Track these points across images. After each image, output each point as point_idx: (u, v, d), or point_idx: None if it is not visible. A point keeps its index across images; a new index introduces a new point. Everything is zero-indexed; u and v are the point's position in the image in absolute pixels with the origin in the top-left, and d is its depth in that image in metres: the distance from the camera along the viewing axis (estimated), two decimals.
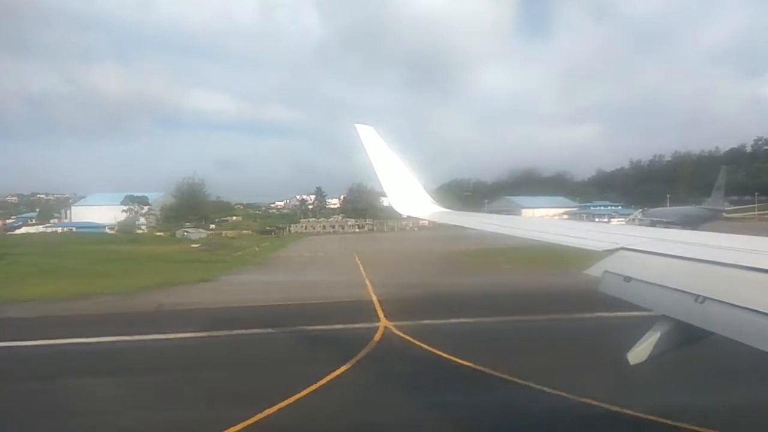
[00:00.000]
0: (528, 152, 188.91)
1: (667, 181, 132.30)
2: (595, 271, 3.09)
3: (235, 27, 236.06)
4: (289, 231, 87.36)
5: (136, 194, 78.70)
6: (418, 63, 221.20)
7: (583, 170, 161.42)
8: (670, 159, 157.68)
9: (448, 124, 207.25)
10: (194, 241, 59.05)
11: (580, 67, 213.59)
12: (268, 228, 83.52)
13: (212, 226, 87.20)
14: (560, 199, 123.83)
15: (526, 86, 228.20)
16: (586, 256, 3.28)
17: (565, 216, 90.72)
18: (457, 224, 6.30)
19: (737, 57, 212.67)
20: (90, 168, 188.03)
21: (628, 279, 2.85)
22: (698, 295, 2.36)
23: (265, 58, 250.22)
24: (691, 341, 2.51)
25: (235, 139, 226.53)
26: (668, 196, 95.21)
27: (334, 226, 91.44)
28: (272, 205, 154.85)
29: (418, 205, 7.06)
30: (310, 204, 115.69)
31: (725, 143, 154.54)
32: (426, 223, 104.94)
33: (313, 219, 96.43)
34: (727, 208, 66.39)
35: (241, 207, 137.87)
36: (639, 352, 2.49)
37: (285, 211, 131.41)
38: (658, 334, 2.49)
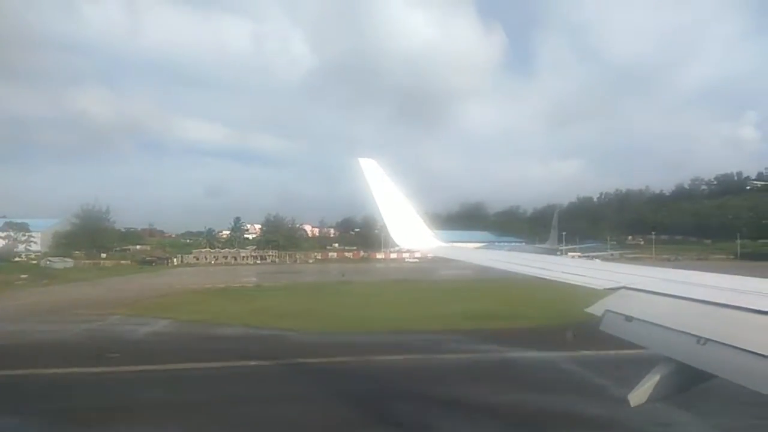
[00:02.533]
0: (507, 186, 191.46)
1: (594, 219, 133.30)
2: (596, 309, 3.04)
3: (223, 55, 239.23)
4: (180, 261, 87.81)
5: (16, 220, 79.93)
6: (406, 97, 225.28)
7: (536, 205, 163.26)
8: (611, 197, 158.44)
9: (434, 157, 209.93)
10: (26, 271, 60.02)
11: (565, 104, 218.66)
12: (148, 258, 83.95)
13: (103, 255, 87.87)
14: (480, 233, 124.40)
15: (511, 122, 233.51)
16: None
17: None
18: (459, 259, 6.35)
19: (714, 100, 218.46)
20: (60, 192, 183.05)
21: (629, 318, 2.79)
22: (700, 337, 2.30)
23: (253, 86, 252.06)
24: (692, 384, 2.46)
25: (221, 166, 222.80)
26: (563, 233, 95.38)
27: (226, 257, 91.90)
28: (220, 233, 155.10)
29: (419, 239, 7.13)
30: (219, 233, 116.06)
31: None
32: (332, 255, 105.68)
33: (206, 249, 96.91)
34: (562, 248, 67.45)
35: (172, 236, 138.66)
36: (640, 394, 2.42)
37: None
38: (659, 376, 2.44)
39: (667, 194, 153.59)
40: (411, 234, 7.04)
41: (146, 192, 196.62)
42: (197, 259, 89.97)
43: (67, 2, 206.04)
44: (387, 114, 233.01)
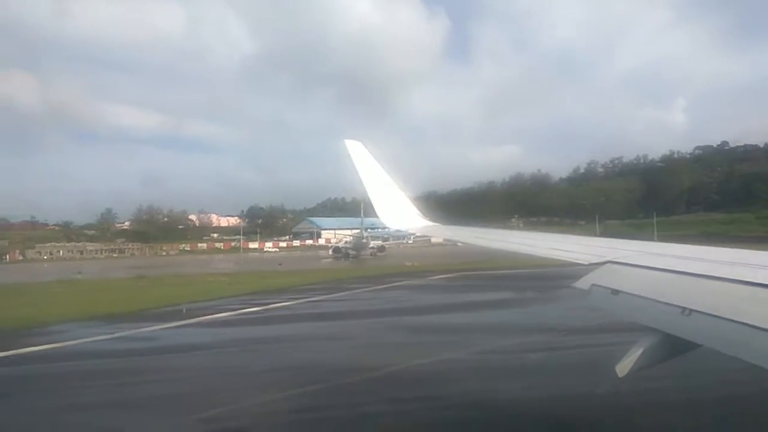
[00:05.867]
0: (451, 170, 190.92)
1: (486, 202, 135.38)
2: (583, 284, 3.01)
3: (156, 39, 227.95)
4: (23, 256, 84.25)
5: None
6: (348, 82, 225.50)
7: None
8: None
9: (375, 142, 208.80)
10: None
11: (503, 91, 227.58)
12: None
13: None
14: (374, 220, 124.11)
15: (453, 107, 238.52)
16: None
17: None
18: (446, 238, 5.97)
19: (644, 86, 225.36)
20: None
21: (615, 292, 2.79)
22: (685, 308, 2.31)
23: (189, 72, 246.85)
24: (678, 353, 2.47)
25: (156, 155, 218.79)
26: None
27: (71, 251, 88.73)
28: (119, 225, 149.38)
29: (406, 219, 7.03)
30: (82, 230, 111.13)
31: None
32: (204, 246, 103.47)
33: (51, 243, 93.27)
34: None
35: (55, 229, 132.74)
36: (626, 364, 2.43)
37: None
38: (645, 347, 2.45)
39: (563, 177, 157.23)
40: (399, 214, 7.01)
41: (72, 183, 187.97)
42: (40, 253, 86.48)
43: None
44: (328, 99, 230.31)
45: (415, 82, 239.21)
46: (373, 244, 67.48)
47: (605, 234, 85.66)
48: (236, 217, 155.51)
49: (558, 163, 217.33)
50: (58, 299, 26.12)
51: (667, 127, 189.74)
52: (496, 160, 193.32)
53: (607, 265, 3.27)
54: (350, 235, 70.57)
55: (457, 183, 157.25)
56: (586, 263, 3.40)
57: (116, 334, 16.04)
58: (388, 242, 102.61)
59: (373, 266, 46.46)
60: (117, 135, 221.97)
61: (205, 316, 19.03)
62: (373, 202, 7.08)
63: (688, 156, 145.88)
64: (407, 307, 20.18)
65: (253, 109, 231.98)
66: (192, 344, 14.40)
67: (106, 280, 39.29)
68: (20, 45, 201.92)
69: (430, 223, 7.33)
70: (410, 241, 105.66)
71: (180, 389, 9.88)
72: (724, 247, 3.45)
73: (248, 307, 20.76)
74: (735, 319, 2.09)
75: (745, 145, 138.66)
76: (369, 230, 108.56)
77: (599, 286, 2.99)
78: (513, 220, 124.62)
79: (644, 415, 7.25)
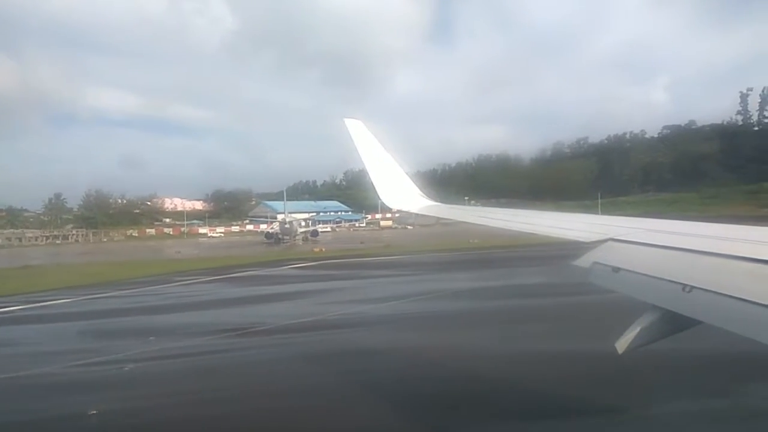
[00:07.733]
0: (435, 152, 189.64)
1: (450, 183, 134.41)
2: (584, 262, 3.03)
3: (135, 18, 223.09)
4: None
5: None
6: (332, 61, 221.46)
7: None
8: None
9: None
10: None
11: (486, 71, 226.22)
12: None
13: None
14: (327, 203, 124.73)
15: (437, 87, 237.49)
16: None
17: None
18: (448, 217, 6.17)
19: (626, 65, 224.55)
20: None
21: (616, 269, 2.81)
22: (686, 285, 2.33)
23: (169, 53, 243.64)
24: (678, 330, 2.47)
25: (136, 137, 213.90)
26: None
27: (10, 239, 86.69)
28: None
29: (407, 199, 6.88)
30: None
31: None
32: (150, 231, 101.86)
33: None
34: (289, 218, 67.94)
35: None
36: (625, 341, 2.46)
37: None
38: (646, 324, 2.47)
39: (533, 158, 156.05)
40: (399, 194, 6.91)
41: (47, 168, 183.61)
42: None
43: None
44: (311, 80, 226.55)
45: (400, 61, 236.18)
46: (303, 229, 66.14)
47: None
48: (201, 201, 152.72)
49: (541, 143, 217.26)
50: None
51: (649, 106, 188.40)
52: (480, 139, 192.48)
53: (608, 242, 3.26)
54: (278, 221, 69.44)
55: (438, 163, 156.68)
56: (588, 241, 3.37)
57: None
58: (339, 225, 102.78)
59: (277, 252, 45.75)
60: (94, 118, 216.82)
61: None
62: (373, 182, 6.95)
63: (657, 136, 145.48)
64: (169, 305, 19.21)
65: (233, 90, 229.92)
66: None
67: None
68: None
69: (431, 203, 7.19)
70: (363, 225, 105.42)
71: None
72: None
73: (26, 305, 19.89)
74: (735, 295, 2.09)
75: (711, 125, 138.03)
76: (322, 213, 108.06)
77: (600, 263, 2.99)
78: (471, 202, 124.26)
79: None
